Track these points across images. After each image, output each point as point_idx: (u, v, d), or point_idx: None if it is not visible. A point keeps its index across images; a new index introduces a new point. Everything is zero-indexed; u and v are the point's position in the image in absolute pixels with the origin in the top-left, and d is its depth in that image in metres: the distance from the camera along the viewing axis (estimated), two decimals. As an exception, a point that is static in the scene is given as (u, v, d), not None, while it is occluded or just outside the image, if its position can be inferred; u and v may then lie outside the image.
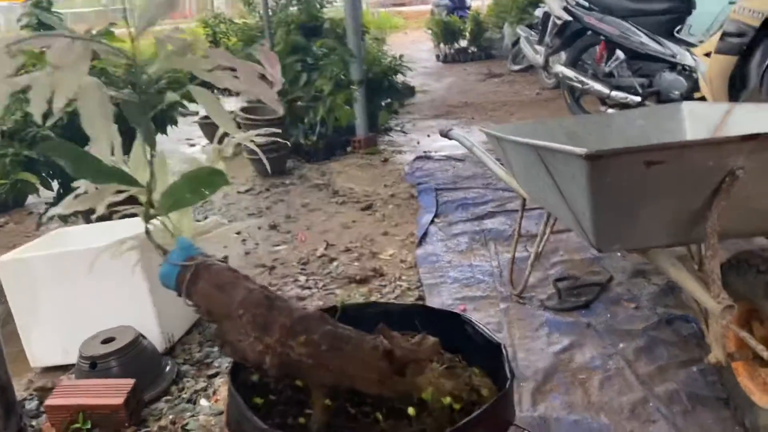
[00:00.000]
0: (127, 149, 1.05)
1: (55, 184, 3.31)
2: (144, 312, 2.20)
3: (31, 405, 2.07)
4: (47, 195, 3.49)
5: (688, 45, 4.25)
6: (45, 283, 2.20)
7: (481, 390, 1.10)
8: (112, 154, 0.94)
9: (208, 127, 5.67)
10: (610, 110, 4.58)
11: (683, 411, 1.75)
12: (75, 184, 1.02)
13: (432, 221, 3.43)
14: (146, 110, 0.86)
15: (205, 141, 5.92)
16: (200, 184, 0.98)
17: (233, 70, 0.88)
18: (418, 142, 5.36)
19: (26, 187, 3.09)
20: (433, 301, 2.53)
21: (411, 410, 1.14)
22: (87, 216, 2.86)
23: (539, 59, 5.88)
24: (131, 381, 1.93)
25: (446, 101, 7.18)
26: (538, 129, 2.39)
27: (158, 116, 3.44)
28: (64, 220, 3.04)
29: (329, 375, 1.06)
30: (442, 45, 10.73)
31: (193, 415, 1.95)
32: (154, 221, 1.06)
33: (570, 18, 5.03)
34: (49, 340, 2.26)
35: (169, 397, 2.07)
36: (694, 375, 1.89)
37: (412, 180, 4.25)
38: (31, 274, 2.19)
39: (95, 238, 2.15)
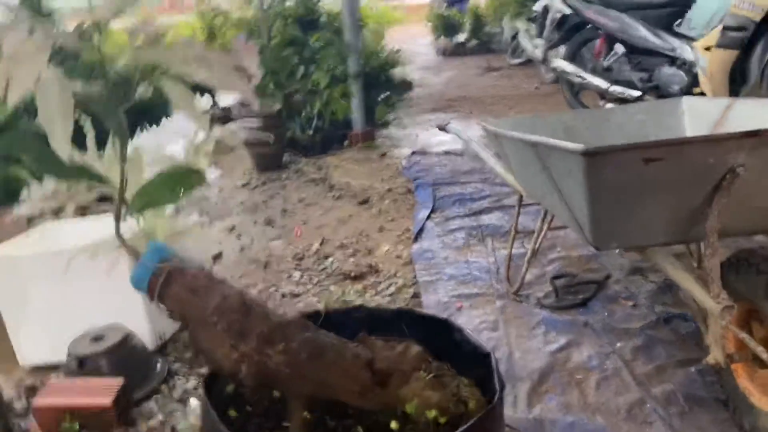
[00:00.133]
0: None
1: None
2: (134, 310, 2.16)
3: (19, 405, 2.04)
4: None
5: (688, 39, 4.20)
6: (34, 280, 2.16)
7: (469, 402, 1.06)
8: (98, 148, 0.90)
9: (210, 122, 5.62)
10: (609, 105, 4.54)
11: (681, 412, 1.72)
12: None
13: (429, 216, 3.39)
14: (116, 104, 0.82)
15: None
16: (176, 183, 0.94)
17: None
18: (417, 136, 5.32)
19: (16, 182, 3.05)
20: (429, 299, 2.49)
21: (394, 424, 1.09)
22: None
23: (538, 53, 5.83)
24: (120, 380, 1.89)
25: (445, 95, 7.14)
26: (536, 123, 2.35)
27: (153, 109, 3.40)
28: (56, 212, 3.00)
29: (308, 385, 1.01)
30: (441, 39, 10.67)
31: (183, 415, 1.92)
32: (129, 221, 1.03)
33: (569, 11, 4.99)
34: (38, 338, 2.22)
35: (159, 397, 2.03)
36: (693, 375, 1.86)
37: (410, 174, 4.21)
38: (19, 271, 2.15)
39: (87, 232, 2.11)
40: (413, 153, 4.71)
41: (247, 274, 2.93)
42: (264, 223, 3.60)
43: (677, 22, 4.40)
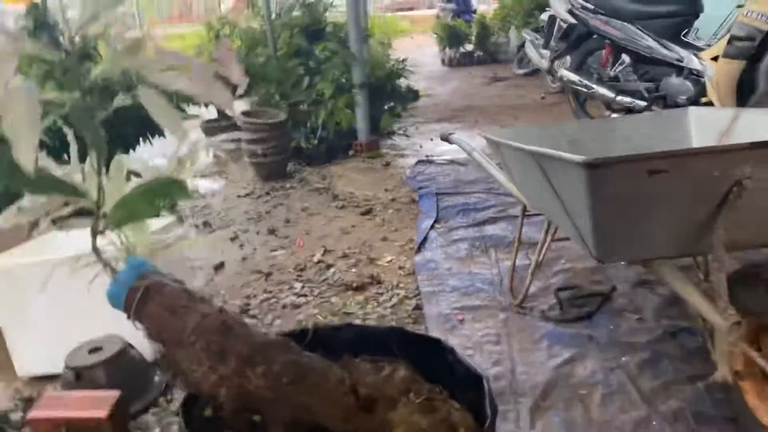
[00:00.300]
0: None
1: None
2: (133, 320, 2.13)
3: (16, 416, 2.01)
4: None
5: (696, 49, 4.17)
6: (31, 290, 2.14)
7: (459, 429, 1.01)
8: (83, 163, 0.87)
9: (213, 131, 5.63)
10: (615, 115, 4.51)
11: (688, 430, 1.67)
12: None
13: (432, 226, 3.36)
14: (92, 114, 0.80)
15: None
16: (156, 195, 0.91)
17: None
18: (421, 146, 5.30)
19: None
20: (431, 311, 2.46)
21: None
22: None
23: (544, 63, 5.81)
24: (116, 393, 1.86)
25: (450, 105, 7.12)
26: (540, 134, 2.32)
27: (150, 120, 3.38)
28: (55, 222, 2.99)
29: (290, 409, 0.97)
30: (447, 49, 10.67)
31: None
32: (110, 235, 1.00)
33: (575, 21, 4.97)
34: (36, 349, 2.20)
35: (156, 409, 2.01)
36: (700, 392, 1.81)
37: (413, 184, 4.18)
38: (17, 280, 2.14)
39: (88, 243, 2.10)
40: (417, 162, 4.69)
41: (249, 284, 2.91)
42: (267, 233, 3.58)
43: (684, 31, 4.36)
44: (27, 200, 0.93)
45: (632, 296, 2.42)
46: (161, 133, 3.57)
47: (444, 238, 3.21)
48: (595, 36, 4.89)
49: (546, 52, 5.74)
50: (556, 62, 5.51)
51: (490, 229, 3.26)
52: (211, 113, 6.26)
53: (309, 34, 5.62)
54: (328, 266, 3.02)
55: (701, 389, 1.82)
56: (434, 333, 2.28)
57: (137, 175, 0.98)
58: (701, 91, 4.01)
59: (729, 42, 3.51)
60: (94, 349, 2.03)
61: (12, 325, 2.18)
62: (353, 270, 2.96)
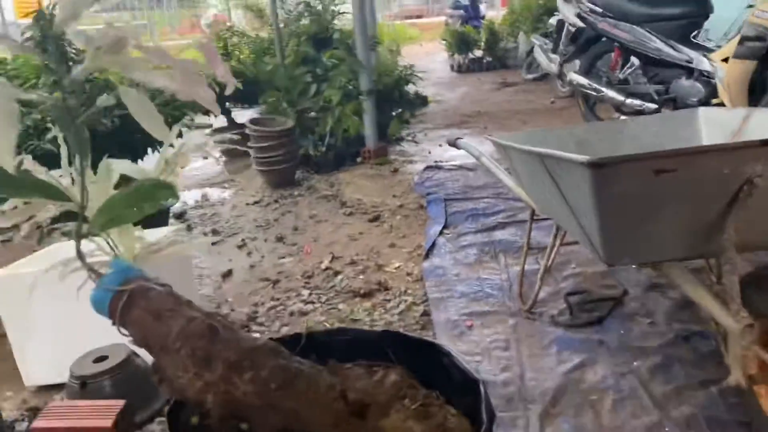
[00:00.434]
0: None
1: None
2: (139, 329, 2.13)
3: (22, 426, 2.01)
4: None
5: (706, 50, 4.13)
6: (39, 299, 2.14)
7: None
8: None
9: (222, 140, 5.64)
10: (624, 117, 4.47)
11: (702, 436, 1.63)
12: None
13: (440, 232, 3.34)
14: (74, 115, 0.78)
15: (218, 153, 5.90)
16: (141, 198, 0.89)
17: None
18: (430, 152, 5.28)
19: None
20: (439, 317, 2.43)
21: None
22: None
23: (553, 67, 5.80)
24: (121, 402, 1.85)
25: (459, 111, 7.11)
26: (548, 137, 2.29)
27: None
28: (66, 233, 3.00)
29: (278, 416, 0.94)
30: (456, 55, 10.67)
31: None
32: (96, 239, 0.98)
33: (584, 25, 4.94)
34: (43, 358, 2.20)
35: (162, 419, 1.99)
36: (714, 396, 1.77)
37: (422, 190, 4.16)
38: (24, 289, 2.13)
39: (94, 251, 2.10)
40: (426, 168, 4.67)
41: (256, 292, 2.89)
42: (275, 240, 3.57)
43: (694, 33, 4.32)
44: (9, 204, 0.92)
45: (644, 300, 2.38)
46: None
47: (452, 244, 3.18)
48: (603, 39, 4.86)
49: (555, 57, 5.72)
50: (565, 66, 5.49)
51: (499, 234, 3.23)
52: (221, 122, 6.30)
53: (316, 42, 5.64)
54: (336, 273, 3.00)
55: (714, 394, 1.78)
56: (442, 339, 2.25)
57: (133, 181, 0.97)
58: (712, 92, 3.96)
59: (740, 42, 3.47)
60: (100, 358, 2.02)
61: (19, 334, 2.18)
62: (361, 277, 2.94)
